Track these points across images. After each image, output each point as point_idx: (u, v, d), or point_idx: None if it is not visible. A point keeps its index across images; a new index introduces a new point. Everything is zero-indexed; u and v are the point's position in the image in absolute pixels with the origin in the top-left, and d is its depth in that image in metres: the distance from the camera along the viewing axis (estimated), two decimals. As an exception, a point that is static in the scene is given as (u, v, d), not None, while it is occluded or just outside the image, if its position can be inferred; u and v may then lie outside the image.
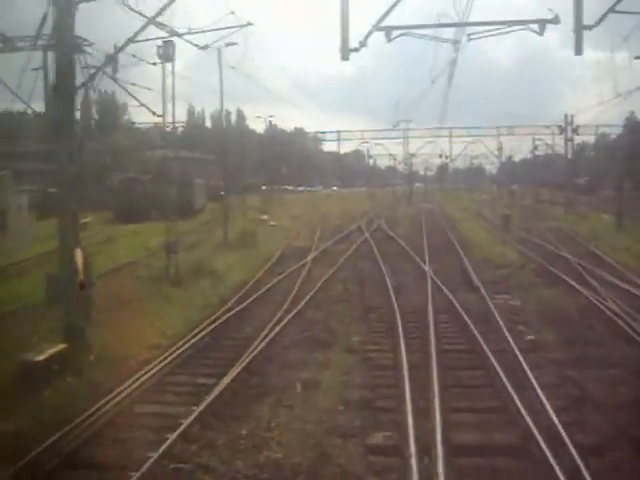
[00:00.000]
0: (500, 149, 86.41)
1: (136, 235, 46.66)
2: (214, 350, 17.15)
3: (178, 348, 16.31)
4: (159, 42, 25.84)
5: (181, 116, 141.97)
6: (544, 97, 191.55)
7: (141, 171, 74.62)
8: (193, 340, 17.14)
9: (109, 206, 64.46)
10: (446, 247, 37.80)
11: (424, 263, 30.36)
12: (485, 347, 15.54)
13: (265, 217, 58.37)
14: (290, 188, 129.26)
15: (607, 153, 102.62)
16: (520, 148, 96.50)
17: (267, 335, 17.62)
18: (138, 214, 60.55)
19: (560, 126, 66.78)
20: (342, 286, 26.17)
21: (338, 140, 72.24)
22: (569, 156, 71.53)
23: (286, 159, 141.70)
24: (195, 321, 19.77)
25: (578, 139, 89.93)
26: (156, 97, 27.85)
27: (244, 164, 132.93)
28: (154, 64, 26.23)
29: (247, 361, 15.22)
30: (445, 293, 23.19)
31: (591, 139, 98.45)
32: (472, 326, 17.76)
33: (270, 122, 69.74)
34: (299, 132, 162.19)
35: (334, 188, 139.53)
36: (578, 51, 18.41)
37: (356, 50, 19.24)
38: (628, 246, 35.30)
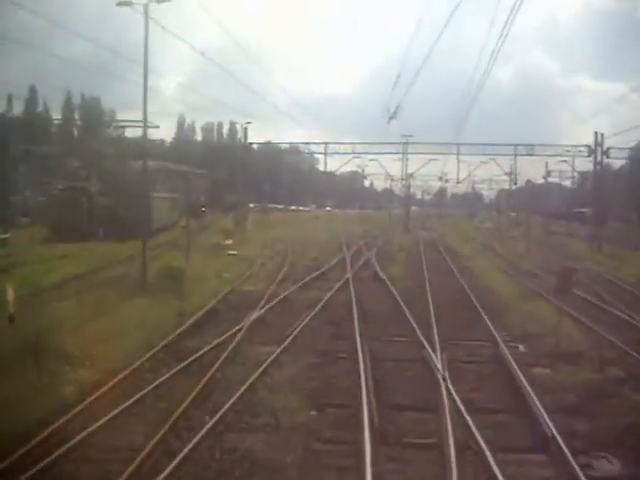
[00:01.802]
0: (511, 172, 73.07)
1: (49, 262, 33.82)
2: None
3: None
4: None
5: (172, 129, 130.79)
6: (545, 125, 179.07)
7: (108, 181, 61.18)
8: None
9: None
10: (461, 307, 24.71)
11: (431, 348, 17.23)
12: None
13: (229, 242, 45.33)
14: (280, 207, 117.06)
15: (613, 182, 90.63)
16: (528, 172, 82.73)
17: None
18: (79, 231, 47.90)
19: (589, 147, 53.82)
20: (282, 405, 13.07)
21: (325, 153, 58.08)
22: (592, 180, 58.75)
23: (278, 176, 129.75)
24: None
25: (582, 166, 77.46)
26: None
27: (233, 180, 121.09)
28: None
29: None
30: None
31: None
32: None
33: (245, 130, 55.57)
34: (294, 150, 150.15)
35: (327, 208, 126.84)
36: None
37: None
38: None
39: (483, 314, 21.92)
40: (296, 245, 48.53)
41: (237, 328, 18.93)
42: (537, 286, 29.67)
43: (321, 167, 77.62)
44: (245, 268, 33.85)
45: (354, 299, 24.51)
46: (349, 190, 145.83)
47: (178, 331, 18.40)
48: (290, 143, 57.40)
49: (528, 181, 60.87)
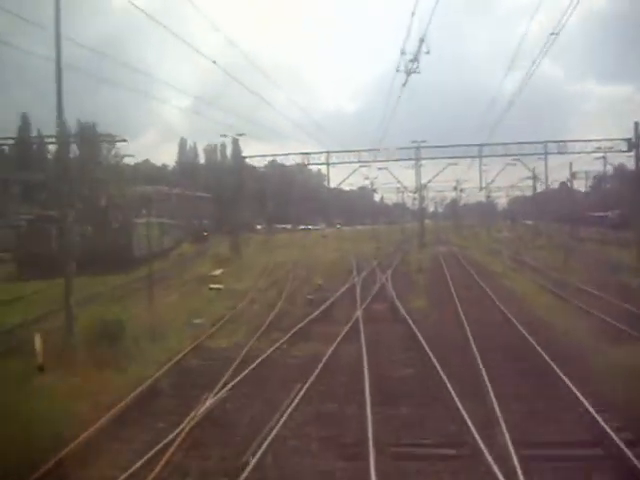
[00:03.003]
0: (533, 175, 64.43)
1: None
2: None
3: None
4: None
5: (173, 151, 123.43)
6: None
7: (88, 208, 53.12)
8: None
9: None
10: (526, 364, 16.30)
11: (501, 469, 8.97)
12: None
13: (217, 273, 37.33)
14: (289, 227, 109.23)
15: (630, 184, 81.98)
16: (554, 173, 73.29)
17: None
18: (48, 266, 40.10)
19: (629, 140, 45.44)
20: None
21: (327, 164, 49.84)
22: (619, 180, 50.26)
23: (286, 196, 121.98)
24: None
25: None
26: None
27: (239, 202, 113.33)
28: None
29: None
30: None
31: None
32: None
33: (236, 142, 47.29)
34: (301, 168, 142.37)
35: (338, 226, 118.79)
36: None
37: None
38: None
39: (563, 376, 13.73)
40: (299, 270, 40.51)
41: (169, 438, 10.89)
42: (603, 311, 21.62)
43: (327, 181, 68.05)
44: (227, 308, 25.86)
45: (365, 357, 16.37)
46: (359, 206, 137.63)
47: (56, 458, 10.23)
48: (287, 154, 48.25)
49: (563, 183, 52.36)
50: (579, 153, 49.22)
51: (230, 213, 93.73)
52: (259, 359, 16.59)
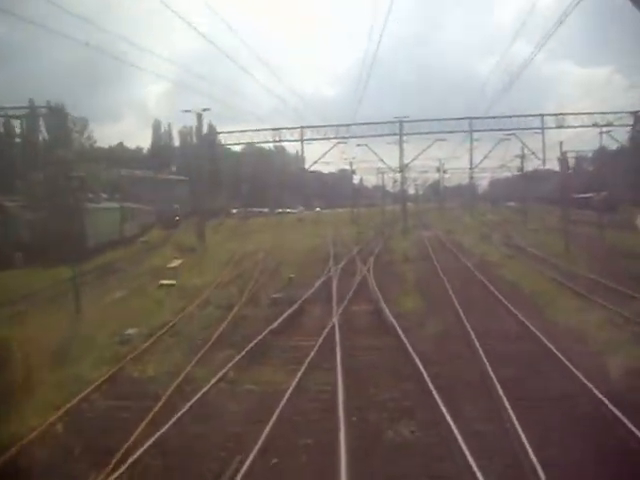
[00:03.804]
0: (522, 155, 59.39)
1: None
2: None
3: None
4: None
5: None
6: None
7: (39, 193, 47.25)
8: None
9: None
10: (556, 392, 11.34)
11: None
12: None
13: (175, 265, 32.05)
14: (266, 211, 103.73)
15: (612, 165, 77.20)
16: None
17: None
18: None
19: (635, 113, 40.48)
20: None
21: (302, 140, 44.17)
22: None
23: (263, 179, 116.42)
24: None
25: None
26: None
27: (214, 185, 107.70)
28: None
29: None
30: None
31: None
32: None
33: (200, 117, 41.59)
34: (279, 150, 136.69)
35: (317, 209, 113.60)
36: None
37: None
38: None
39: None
40: (269, 260, 35.35)
41: None
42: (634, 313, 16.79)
43: (301, 159, 62.11)
44: (173, 311, 20.66)
45: (342, 399, 11.28)
46: (338, 189, 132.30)
47: None
48: (258, 130, 42.63)
49: (563, 159, 47.23)
50: (578, 127, 43.90)
51: (204, 197, 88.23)
52: (189, 402, 11.42)
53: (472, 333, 15.93)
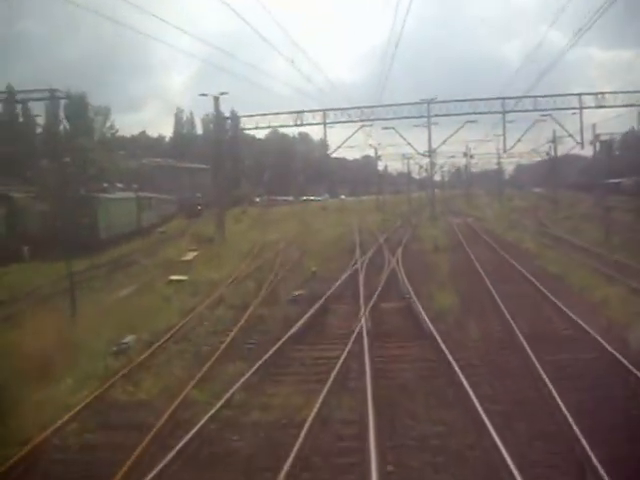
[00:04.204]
0: (552, 137, 55.99)
1: None
2: None
3: None
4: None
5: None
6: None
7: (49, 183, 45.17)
8: None
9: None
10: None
11: None
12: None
13: (189, 257, 29.73)
14: (290, 199, 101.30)
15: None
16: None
17: None
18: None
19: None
20: None
21: (324, 124, 41.41)
22: None
23: (287, 166, 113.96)
24: None
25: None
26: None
27: (238, 173, 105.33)
28: None
29: None
30: None
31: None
32: None
33: (217, 100, 38.73)
34: (303, 138, 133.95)
35: (342, 197, 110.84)
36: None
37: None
38: None
39: None
40: (291, 251, 32.98)
41: None
42: None
43: (324, 144, 59.00)
44: (181, 312, 18.32)
45: (373, 433, 8.81)
46: (363, 175, 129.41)
47: None
48: (279, 113, 39.94)
49: (603, 141, 43.95)
50: (619, 107, 40.58)
51: (226, 185, 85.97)
52: (181, 441, 9.01)
53: (524, 340, 13.38)
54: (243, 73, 58.45)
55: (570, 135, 45.26)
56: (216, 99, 38.70)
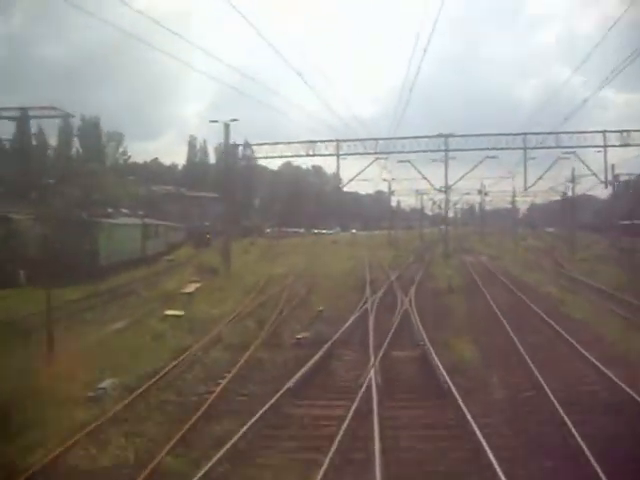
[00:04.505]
0: (572, 174, 53.90)
1: None
2: None
3: None
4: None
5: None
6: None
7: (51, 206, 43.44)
8: None
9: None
10: None
11: None
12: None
13: (190, 289, 27.87)
14: (301, 231, 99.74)
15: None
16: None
17: None
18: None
19: None
20: None
21: (338, 155, 39.53)
22: None
23: (299, 199, 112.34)
24: None
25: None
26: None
27: (249, 204, 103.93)
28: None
29: None
30: None
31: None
32: None
33: (227, 128, 36.95)
34: (317, 170, 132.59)
35: (353, 231, 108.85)
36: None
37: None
38: None
39: None
40: (299, 286, 31.11)
41: None
42: None
43: (337, 175, 57.00)
44: (172, 353, 16.42)
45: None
46: (375, 211, 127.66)
47: None
48: (291, 143, 38.14)
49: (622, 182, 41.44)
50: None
51: (236, 215, 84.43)
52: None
53: (555, 400, 11.48)
54: (264, 100, 56.96)
55: (594, 174, 43.17)
56: (226, 126, 37.19)
